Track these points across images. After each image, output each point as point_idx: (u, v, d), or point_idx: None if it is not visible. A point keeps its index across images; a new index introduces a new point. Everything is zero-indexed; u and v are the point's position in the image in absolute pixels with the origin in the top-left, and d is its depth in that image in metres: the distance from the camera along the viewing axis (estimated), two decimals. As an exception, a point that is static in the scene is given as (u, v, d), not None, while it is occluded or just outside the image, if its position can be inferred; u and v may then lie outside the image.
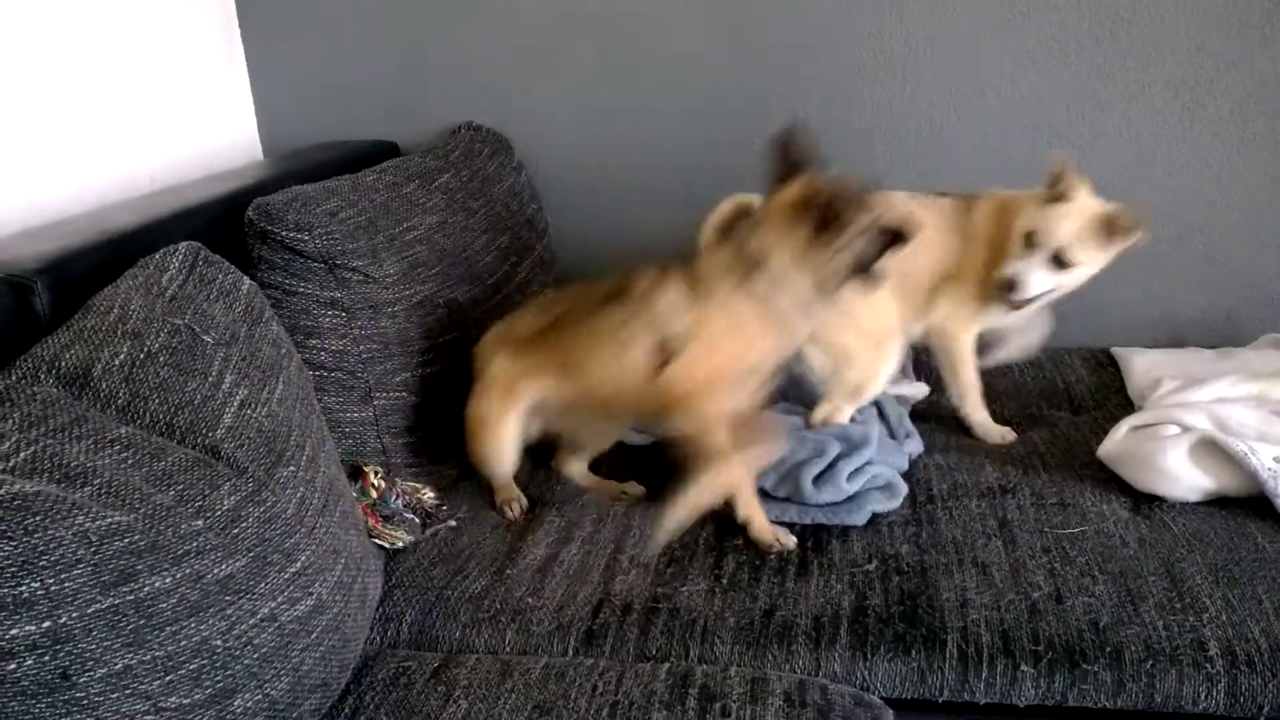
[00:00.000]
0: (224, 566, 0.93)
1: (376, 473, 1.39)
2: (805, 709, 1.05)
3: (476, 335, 1.54)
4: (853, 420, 1.55)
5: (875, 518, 1.40)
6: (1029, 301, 1.53)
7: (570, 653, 1.22)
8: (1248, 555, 1.24)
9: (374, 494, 1.36)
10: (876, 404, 1.62)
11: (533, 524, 1.45)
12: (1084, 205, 1.47)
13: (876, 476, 1.43)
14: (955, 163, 1.91)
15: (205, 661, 0.88)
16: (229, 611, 0.92)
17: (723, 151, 1.96)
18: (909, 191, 1.63)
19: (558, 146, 2.03)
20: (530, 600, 1.27)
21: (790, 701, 1.06)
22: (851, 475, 1.41)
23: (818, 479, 1.40)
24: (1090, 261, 1.49)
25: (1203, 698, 1.08)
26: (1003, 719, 1.13)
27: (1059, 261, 1.48)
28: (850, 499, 1.40)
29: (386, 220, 1.51)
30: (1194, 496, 1.36)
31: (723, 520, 1.40)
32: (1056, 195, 1.48)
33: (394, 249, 1.49)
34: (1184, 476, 1.36)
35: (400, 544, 1.35)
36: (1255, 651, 1.09)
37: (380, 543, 1.32)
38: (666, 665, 1.14)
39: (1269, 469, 1.31)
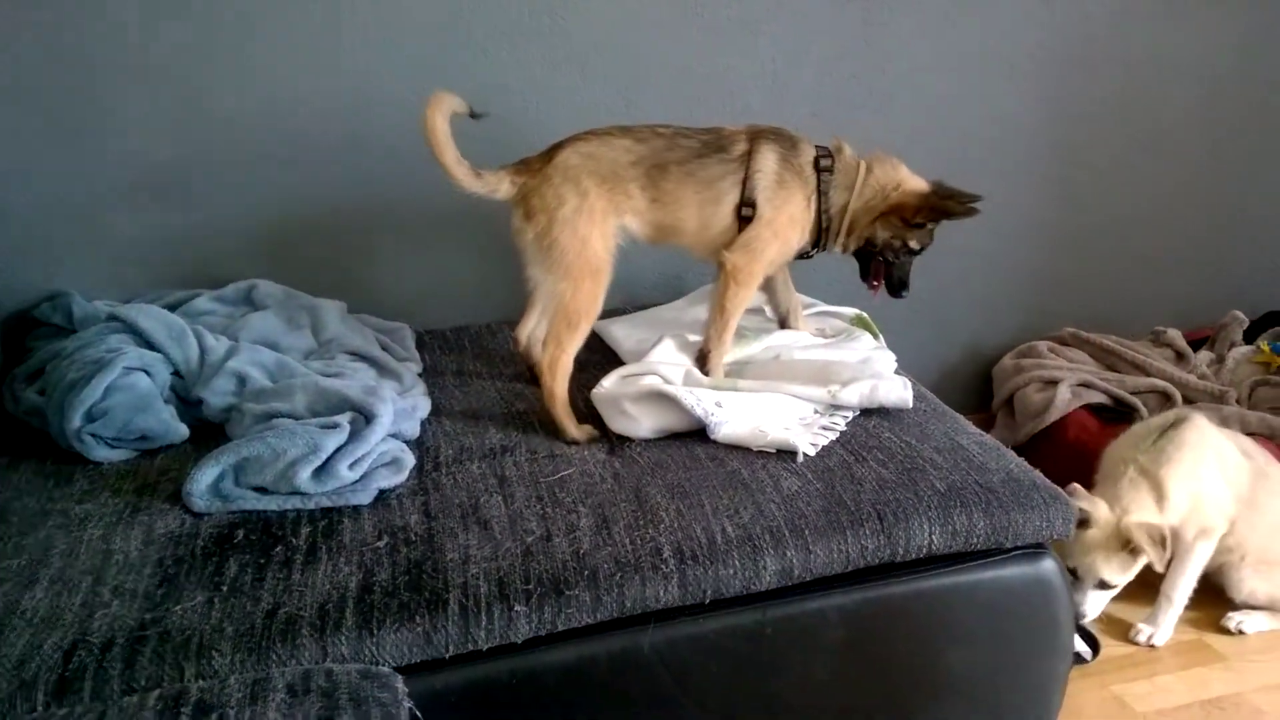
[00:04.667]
0: None
1: None
2: (310, 695, 1.04)
3: None
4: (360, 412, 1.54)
5: (384, 493, 1.43)
6: None
7: (41, 708, 1.08)
8: (695, 473, 1.46)
9: None
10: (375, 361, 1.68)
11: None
12: None
13: (383, 454, 1.45)
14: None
15: None
16: None
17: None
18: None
19: None
20: (-20, 664, 1.10)
21: (294, 692, 1.04)
22: (354, 464, 1.41)
23: (317, 473, 1.38)
24: None
25: (661, 595, 1.26)
26: (504, 657, 1.22)
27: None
28: (356, 480, 1.41)
29: None
30: (653, 434, 1.57)
31: (228, 523, 1.35)
32: None
33: None
34: (641, 418, 1.56)
35: None
36: (698, 547, 1.29)
37: None
38: (156, 692, 1.05)
39: (708, 411, 1.55)
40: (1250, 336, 2.52)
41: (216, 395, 1.57)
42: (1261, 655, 1.85)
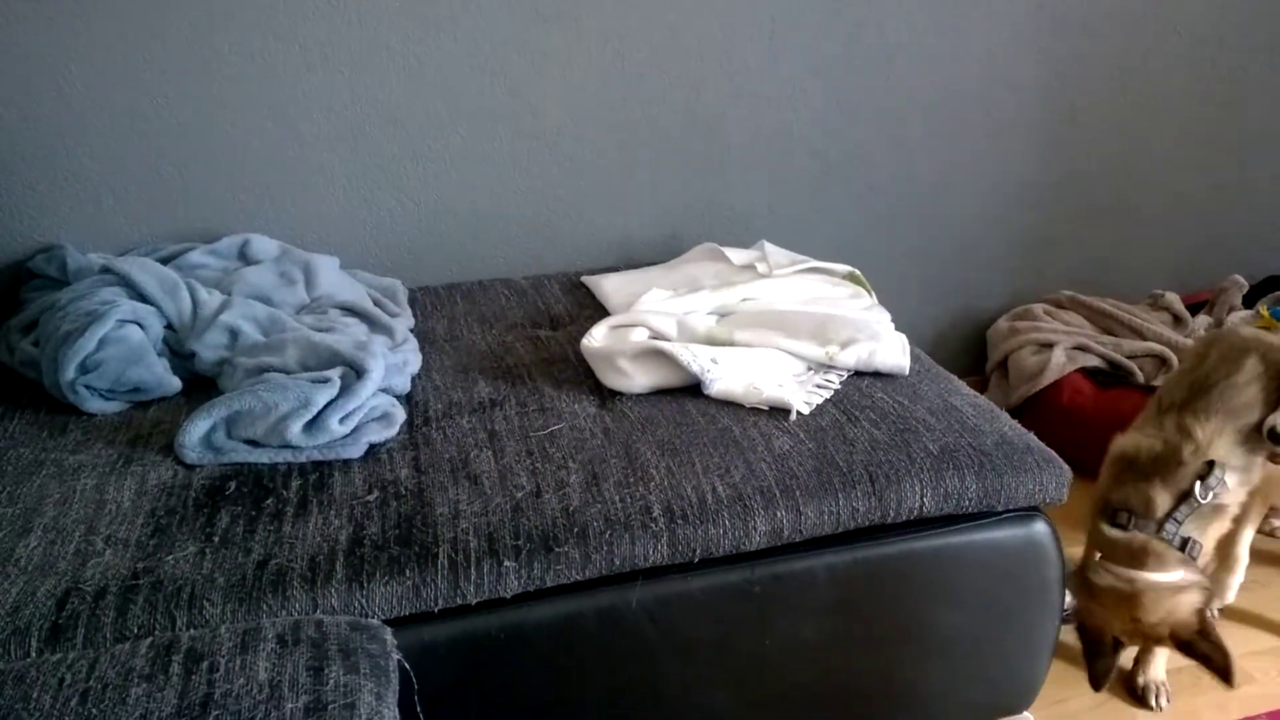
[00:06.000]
0: None
1: None
2: (299, 645, 1.05)
3: None
4: (351, 367, 1.54)
5: (374, 447, 1.43)
6: None
7: (34, 654, 1.09)
8: (686, 429, 1.46)
9: None
10: (367, 316, 1.68)
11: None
12: None
13: (374, 409, 1.45)
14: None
15: None
16: None
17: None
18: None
19: None
20: (-27, 611, 1.11)
21: (283, 642, 1.05)
22: (344, 418, 1.41)
23: (308, 426, 1.38)
24: None
25: (651, 553, 1.26)
26: (493, 612, 1.23)
27: None
28: (346, 434, 1.41)
29: None
30: (646, 390, 1.56)
31: (219, 475, 1.35)
32: None
33: None
34: (635, 374, 1.56)
35: None
36: (688, 506, 1.29)
37: None
38: (149, 640, 1.07)
39: (703, 367, 1.55)
40: (1250, 301, 2.51)
41: (209, 348, 1.57)
42: (1252, 622, 1.86)
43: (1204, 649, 1.50)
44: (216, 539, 1.24)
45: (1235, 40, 2.47)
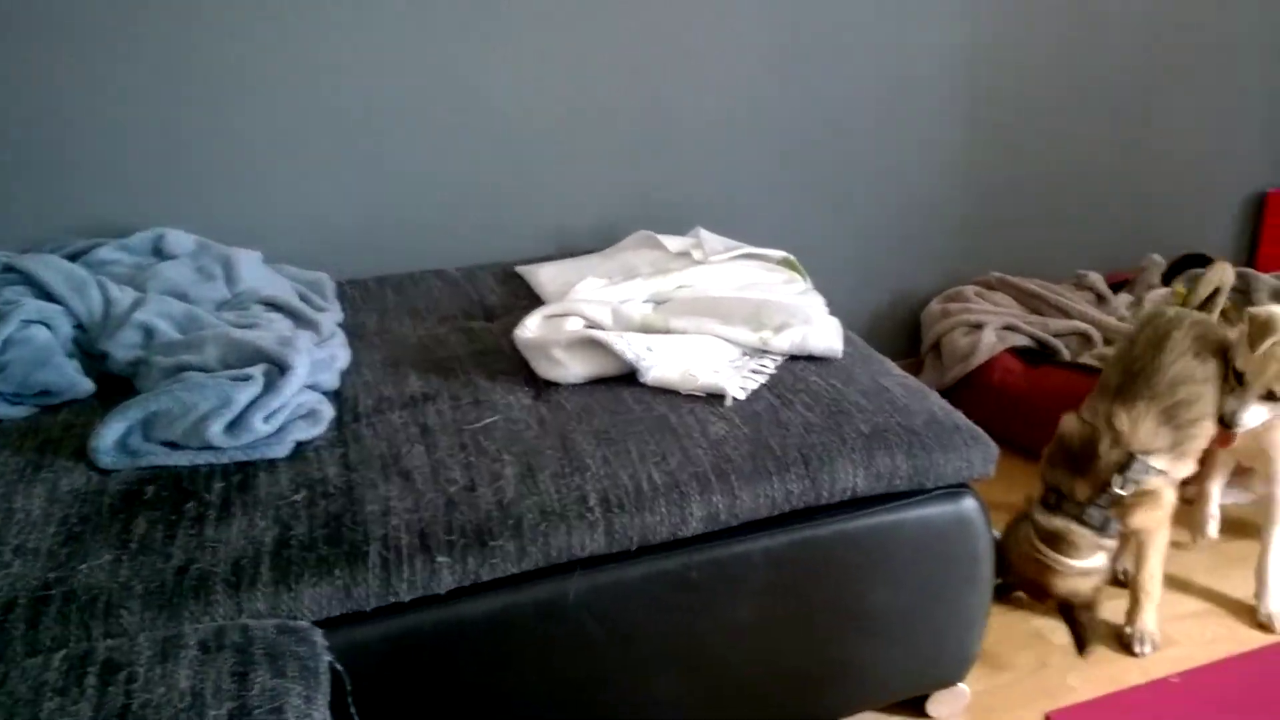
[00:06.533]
0: None
1: None
2: (223, 651, 1.01)
3: None
4: (274, 364, 1.49)
5: (301, 445, 1.39)
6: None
7: (-62, 672, 1.03)
8: (622, 418, 1.44)
9: None
10: (291, 311, 1.64)
11: None
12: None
13: (300, 406, 1.41)
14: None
15: None
16: None
17: None
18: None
19: None
20: None
21: (206, 649, 1.01)
22: (269, 416, 1.36)
23: (230, 426, 1.34)
24: None
25: (588, 543, 1.25)
26: (428, 609, 1.21)
27: (1271, 397, 1.61)
28: (271, 433, 1.37)
29: None
30: (582, 380, 1.55)
31: (136, 479, 1.30)
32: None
33: None
34: (570, 364, 1.54)
35: None
36: (625, 495, 1.28)
37: None
38: (62, 652, 1.02)
39: (638, 355, 1.53)
40: (1167, 279, 2.59)
41: (122, 348, 1.51)
42: (1179, 586, 1.92)
43: (1084, 620, 1.68)
44: (134, 545, 1.19)
45: (1152, 30, 2.53)
